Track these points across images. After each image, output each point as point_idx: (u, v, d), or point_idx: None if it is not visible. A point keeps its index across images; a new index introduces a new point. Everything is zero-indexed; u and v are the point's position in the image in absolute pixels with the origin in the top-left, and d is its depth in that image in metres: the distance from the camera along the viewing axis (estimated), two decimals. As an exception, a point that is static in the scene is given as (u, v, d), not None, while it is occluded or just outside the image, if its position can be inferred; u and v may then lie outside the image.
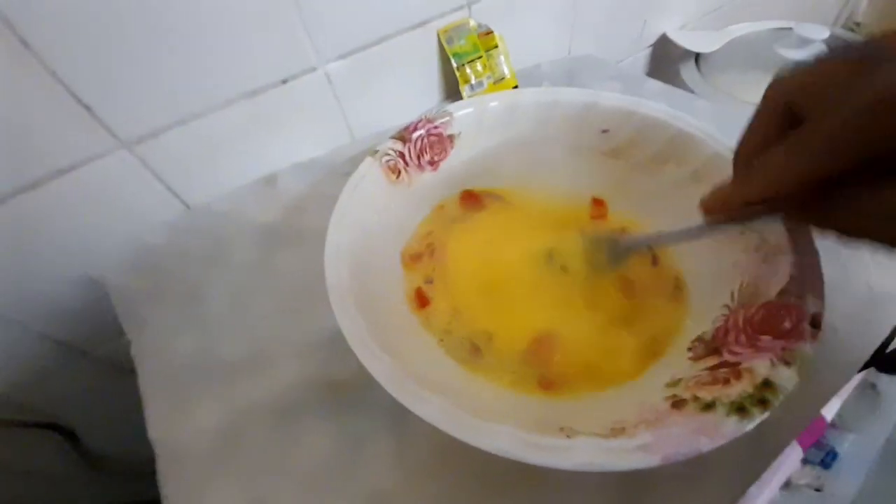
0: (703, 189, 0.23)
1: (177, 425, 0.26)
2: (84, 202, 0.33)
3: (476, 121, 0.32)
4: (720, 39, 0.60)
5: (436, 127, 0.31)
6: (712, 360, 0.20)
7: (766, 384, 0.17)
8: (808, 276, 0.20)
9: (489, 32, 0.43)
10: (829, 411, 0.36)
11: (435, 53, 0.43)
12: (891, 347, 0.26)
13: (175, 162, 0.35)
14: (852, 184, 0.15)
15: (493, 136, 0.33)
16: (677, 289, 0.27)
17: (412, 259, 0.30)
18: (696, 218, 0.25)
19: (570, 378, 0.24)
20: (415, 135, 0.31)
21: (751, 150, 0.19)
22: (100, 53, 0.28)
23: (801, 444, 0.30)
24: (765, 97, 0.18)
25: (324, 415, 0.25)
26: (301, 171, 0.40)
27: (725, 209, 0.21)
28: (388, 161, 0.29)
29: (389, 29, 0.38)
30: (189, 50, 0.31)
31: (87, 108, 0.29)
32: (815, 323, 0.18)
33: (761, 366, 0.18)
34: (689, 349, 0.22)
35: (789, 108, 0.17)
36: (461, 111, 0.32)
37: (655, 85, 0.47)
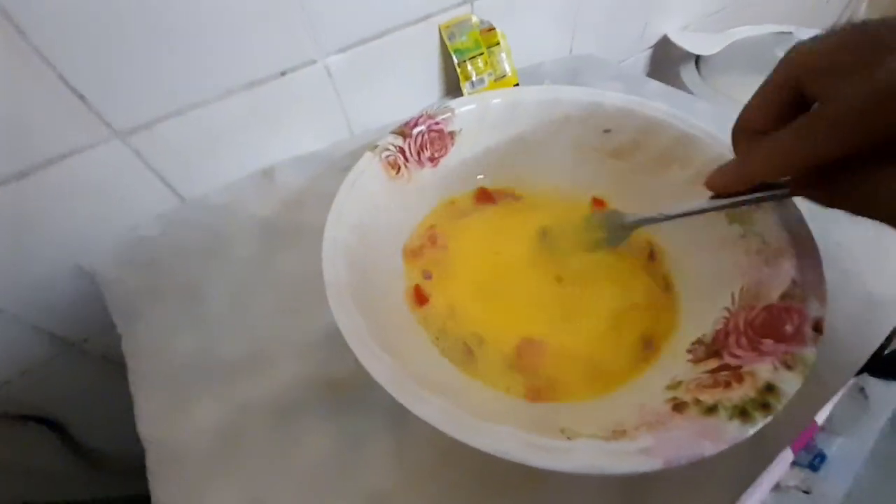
0: (705, 191, 0.23)
1: (176, 425, 0.26)
2: (76, 192, 0.32)
3: (478, 118, 0.32)
4: (721, 42, 0.60)
5: (437, 123, 0.31)
6: (713, 363, 0.20)
7: (769, 388, 0.17)
8: (810, 280, 0.20)
9: (491, 29, 0.43)
10: (819, 415, 0.36)
11: (436, 49, 0.43)
12: (888, 351, 0.26)
13: (170, 153, 0.35)
14: (857, 166, 0.16)
15: (495, 133, 0.33)
16: (667, 288, 0.27)
17: (413, 253, 0.30)
18: (699, 222, 0.25)
19: (561, 384, 0.24)
20: (415, 130, 0.30)
21: (753, 122, 0.20)
22: (95, 42, 0.27)
23: (790, 446, 0.30)
24: (775, 72, 0.19)
25: (324, 414, 0.25)
26: (299, 164, 0.40)
27: (731, 188, 0.21)
28: (387, 156, 0.29)
29: (391, 23, 0.38)
30: (186, 40, 0.30)
31: (81, 97, 0.29)
32: (818, 327, 0.18)
33: (763, 369, 0.17)
34: (689, 351, 0.22)
35: (797, 86, 0.18)
36: (463, 107, 0.31)
37: (656, 86, 0.47)
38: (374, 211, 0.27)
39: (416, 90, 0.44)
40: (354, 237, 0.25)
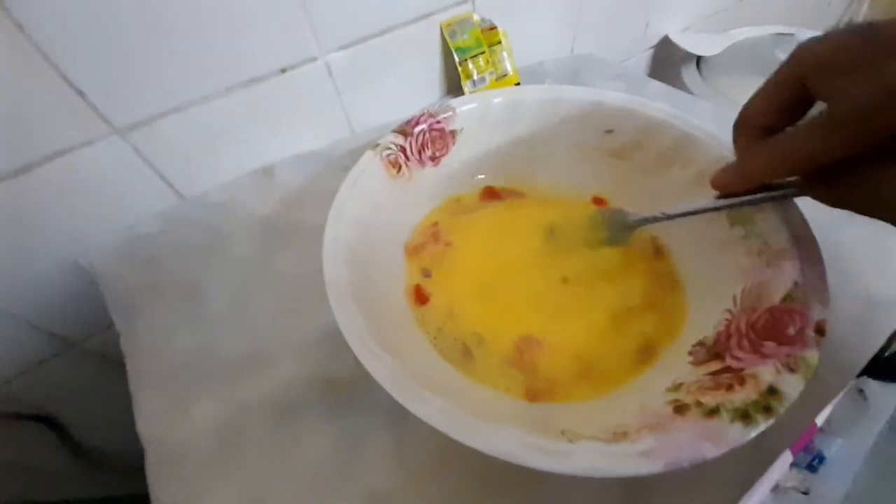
0: (707, 192, 0.23)
1: (175, 424, 0.26)
2: (76, 189, 0.32)
3: (479, 117, 0.32)
4: (722, 43, 0.60)
5: (438, 122, 0.31)
6: (715, 365, 0.20)
7: (771, 391, 0.17)
8: (812, 282, 0.20)
9: (493, 28, 0.43)
10: (819, 416, 0.36)
11: (437, 47, 0.42)
12: (888, 353, 0.26)
13: (170, 150, 0.34)
14: (859, 165, 0.16)
15: (496, 132, 0.32)
16: (674, 286, 0.27)
17: (415, 250, 0.30)
18: (700, 223, 0.25)
19: (561, 384, 0.24)
20: (417, 129, 0.30)
21: (756, 117, 0.20)
22: (94, 37, 0.27)
23: (790, 448, 0.30)
24: (781, 69, 0.19)
25: (323, 414, 0.25)
26: (299, 163, 0.40)
27: (735, 188, 0.21)
28: (388, 155, 0.29)
29: (392, 20, 0.38)
30: (186, 36, 0.30)
31: (80, 92, 0.28)
32: (820, 329, 0.18)
33: (765, 372, 0.17)
34: (690, 353, 0.22)
35: (802, 84, 0.18)
36: (464, 106, 0.31)
37: (657, 86, 0.47)
38: (374, 210, 0.27)
39: (417, 89, 0.44)
40: (355, 236, 0.25)
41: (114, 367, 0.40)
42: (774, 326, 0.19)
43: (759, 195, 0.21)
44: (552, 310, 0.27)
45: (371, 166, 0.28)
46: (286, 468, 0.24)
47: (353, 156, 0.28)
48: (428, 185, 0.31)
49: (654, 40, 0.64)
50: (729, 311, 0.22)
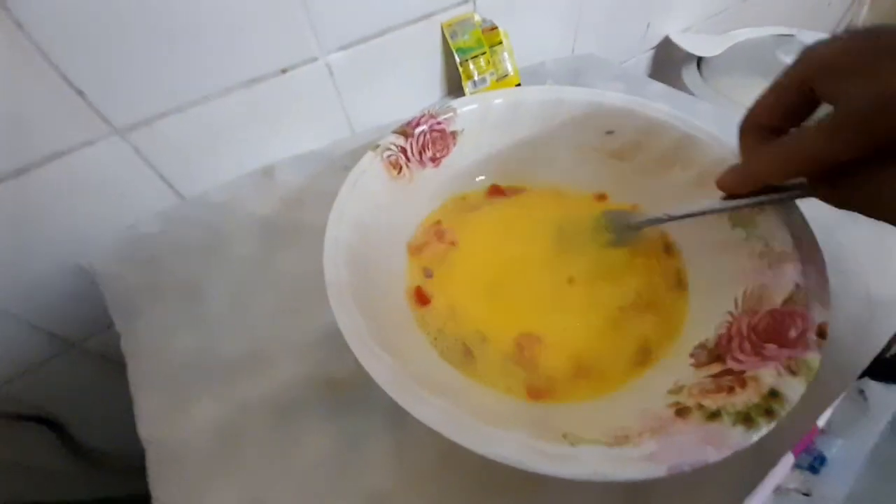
0: (707, 193, 0.23)
1: (176, 424, 0.25)
2: (76, 189, 0.32)
3: (480, 118, 0.32)
4: (722, 44, 0.60)
5: (439, 123, 0.31)
6: (716, 368, 0.20)
7: (773, 394, 0.17)
8: (814, 285, 0.20)
9: (494, 28, 0.43)
10: (820, 418, 0.36)
11: (438, 48, 0.42)
12: (889, 354, 0.26)
13: (170, 150, 0.34)
14: (861, 166, 0.16)
15: (497, 133, 0.32)
16: (679, 285, 0.27)
17: (417, 249, 0.30)
18: (701, 225, 0.25)
19: (560, 382, 0.24)
20: (417, 130, 0.30)
21: (762, 118, 0.20)
22: (94, 38, 0.27)
23: (791, 450, 0.30)
24: (788, 71, 0.19)
25: (323, 414, 0.25)
26: (299, 163, 0.40)
27: (739, 189, 0.22)
28: (389, 156, 0.29)
29: (393, 21, 0.38)
30: (186, 36, 0.30)
31: (80, 92, 0.28)
32: (822, 332, 0.18)
33: (767, 375, 0.17)
34: (691, 355, 0.22)
35: (808, 87, 0.18)
36: (465, 107, 0.31)
37: (658, 87, 0.47)
38: (375, 211, 0.27)
39: (418, 89, 0.44)
40: (356, 237, 0.25)
41: (114, 368, 0.40)
42: (776, 329, 0.19)
43: (763, 196, 0.21)
44: (556, 309, 0.27)
45: (371, 167, 0.28)
46: (286, 468, 0.24)
47: (354, 156, 0.28)
48: (428, 186, 0.31)
49: (655, 41, 0.64)
50: (730, 313, 0.22)
